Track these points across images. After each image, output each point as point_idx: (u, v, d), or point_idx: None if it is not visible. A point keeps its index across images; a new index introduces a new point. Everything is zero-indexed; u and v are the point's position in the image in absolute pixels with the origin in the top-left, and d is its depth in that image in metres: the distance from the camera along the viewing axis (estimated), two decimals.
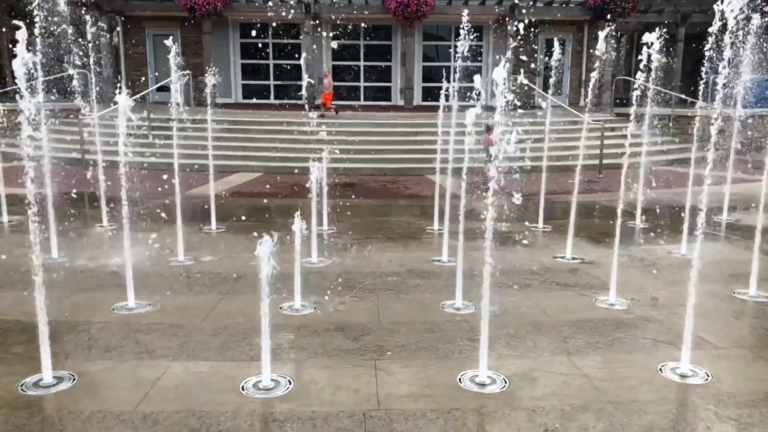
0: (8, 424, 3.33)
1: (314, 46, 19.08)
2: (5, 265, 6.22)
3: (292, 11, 16.40)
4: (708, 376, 3.97)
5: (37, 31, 6.68)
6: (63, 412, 3.46)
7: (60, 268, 6.18)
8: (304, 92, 19.45)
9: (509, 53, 17.66)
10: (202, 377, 3.91)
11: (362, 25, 20.17)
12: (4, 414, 3.43)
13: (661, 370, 4.06)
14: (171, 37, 8.27)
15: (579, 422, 3.41)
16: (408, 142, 14.69)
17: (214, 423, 3.38)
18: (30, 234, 3.80)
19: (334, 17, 18.77)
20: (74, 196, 9.07)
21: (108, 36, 19.02)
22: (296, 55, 19.82)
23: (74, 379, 3.83)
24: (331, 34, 19.57)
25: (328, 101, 16.10)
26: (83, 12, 19.24)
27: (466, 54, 6.30)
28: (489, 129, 11.86)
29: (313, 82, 16.25)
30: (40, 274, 3.77)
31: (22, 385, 3.74)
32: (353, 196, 10.71)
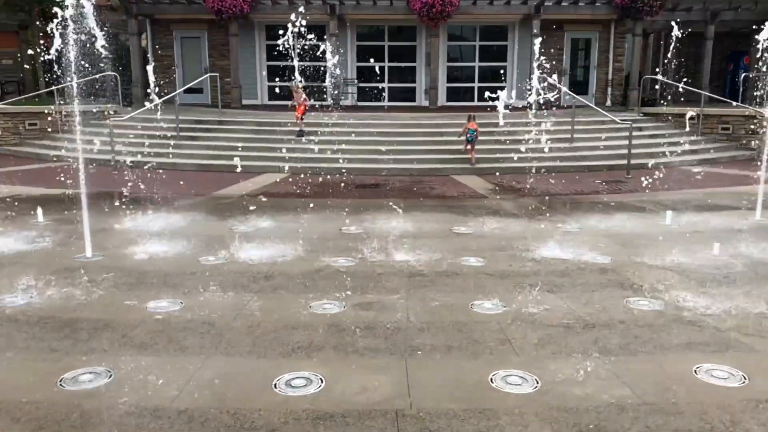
0: (48, 419, 3.41)
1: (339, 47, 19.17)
2: (43, 263, 6.36)
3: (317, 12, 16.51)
4: (744, 378, 3.92)
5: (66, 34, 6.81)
6: (101, 407, 3.53)
7: (94, 266, 6.31)
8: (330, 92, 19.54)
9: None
10: (235, 375, 3.96)
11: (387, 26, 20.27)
12: (44, 409, 3.51)
13: (696, 372, 4.01)
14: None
15: (614, 424, 3.38)
16: (433, 142, 14.67)
17: (248, 420, 3.42)
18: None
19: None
20: (105, 195, 9.24)
21: (137, 39, 19.29)
22: (315, 55, 19.92)
23: (111, 375, 3.91)
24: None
25: (300, 114, 14.91)
26: (111, 16, 19.62)
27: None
28: (470, 118, 13.48)
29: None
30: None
31: (60, 381, 3.83)
32: (379, 197, 10.73)
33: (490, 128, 14.25)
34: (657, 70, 21.53)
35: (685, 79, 13.37)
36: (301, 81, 15.63)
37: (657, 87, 20.63)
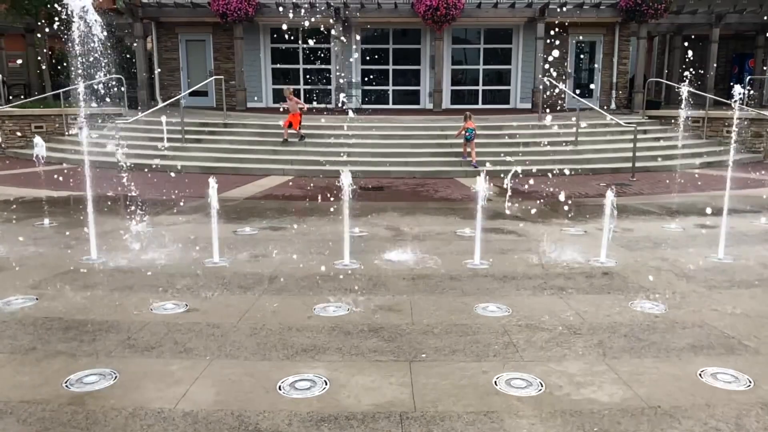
0: (54, 421, 3.42)
1: (343, 50, 19.24)
2: (48, 265, 6.39)
3: (323, 15, 16.55)
4: (750, 382, 3.90)
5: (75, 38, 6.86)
6: (106, 409, 3.54)
7: (99, 268, 6.33)
8: (333, 96, 19.57)
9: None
10: (240, 376, 3.97)
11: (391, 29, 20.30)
12: (50, 410, 3.52)
13: (700, 375, 4.00)
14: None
15: (617, 427, 3.38)
16: (437, 145, 14.68)
17: (252, 422, 3.43)
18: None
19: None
20: (110, 198, 9.28)
21: (142, 42, 19.34)
22: (320, 58, 20.00)
23: (116, 377, 3.92)
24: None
25: (296, 124, 14.56)
26: (119, 19, 19.69)
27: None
28: (467, 118, 13.39)
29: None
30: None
31: (66, 382, 3.84)
32: (383, 199, 10.74)
33: (494, 131, 14.26)
34: (665, 72, 21.53)
35: (689, 82, 13.33)
36: (299, 87, 15.44)
37: (663, 89, 20.60)
